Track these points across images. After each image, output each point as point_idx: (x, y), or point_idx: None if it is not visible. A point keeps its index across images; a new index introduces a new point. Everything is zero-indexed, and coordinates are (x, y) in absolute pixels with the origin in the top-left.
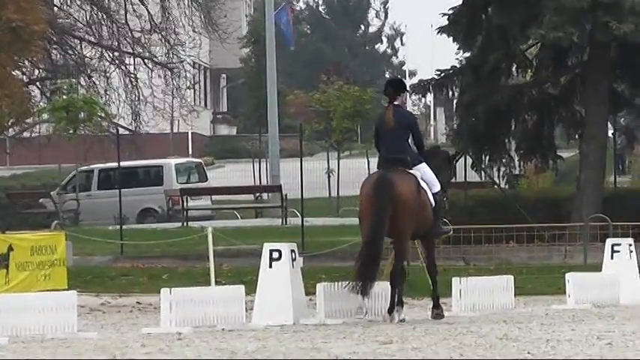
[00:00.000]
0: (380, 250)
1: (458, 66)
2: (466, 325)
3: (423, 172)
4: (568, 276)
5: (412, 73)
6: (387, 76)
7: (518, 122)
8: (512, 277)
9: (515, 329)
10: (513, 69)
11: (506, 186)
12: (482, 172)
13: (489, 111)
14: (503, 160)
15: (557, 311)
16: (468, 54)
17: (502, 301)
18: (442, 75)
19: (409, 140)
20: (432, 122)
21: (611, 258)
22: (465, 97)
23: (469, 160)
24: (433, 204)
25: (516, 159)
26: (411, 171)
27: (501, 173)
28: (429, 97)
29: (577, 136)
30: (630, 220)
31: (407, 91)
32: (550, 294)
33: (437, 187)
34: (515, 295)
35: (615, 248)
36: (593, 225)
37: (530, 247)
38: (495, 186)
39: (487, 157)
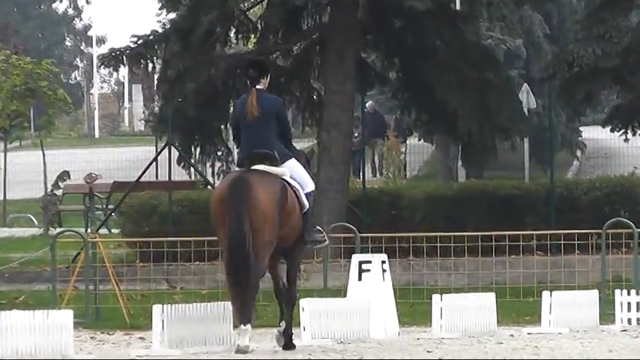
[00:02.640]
0: (249, 258)
1: (160, 31)
2: None
3: (292, 169)
4: (303, 303)
5: (101, 40)
6: (67, 43)
7: None
8: (229, 303)
9: None
10: (232, 34)
11: None
12: (192, 169)
13: (201, 89)
14: (219, 153)
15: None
16: (173, 15)
17: (218, 335)
18: (140, 42)
19: (275, 131)
20: (126, 104)
21: (359, 279)
22: (170, 70)
23: (175, 153)
24: (306, 207)
25: (235, 151)
26: (278, 169)
27: (217, 170)
28: (123, 71)
29: (315, 122)
30: (383, 231)
31: (269, 73)
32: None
33: (310, 187)
34: (234, 326)
35: (364, 267)
36: (335, 237)
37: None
38: (209, 186)
39: (198, 149)
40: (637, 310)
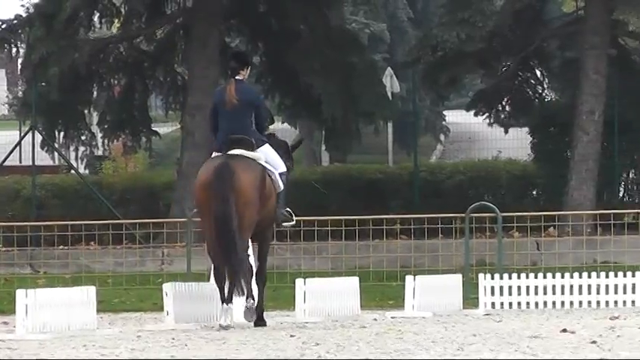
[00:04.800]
0: (234, 237)
1: (24, 15)
2: (34, 352)
3: (267, 154)
4: (166, 287)
5: None
6: None
7: (101, 88)
8: (94, 288)
9: (96, 355)
10: (96, 18)
11: (87, 171)
12: (56, 153)
13: (64, 73)
14: (83, 138)
15: (153, 332)
16: (37, 0)
17: (81, 320)
18: (3, 27)
19: (252, 119)
20: None
21: None
22: (34, 55)
23: (38, 137)
24: (280, 188)
25: (99, 136)
26: (254, 154)
27: (80, 154)
28: None
29: (179, 106)
30: None
31: (251, 65)
32: (144, 310)
33: (282, 168)
34: (98, 311)
35: None
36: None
37: (117, 249)
38: (72, 171)
39: (62, 134)
40: (500, 294)
